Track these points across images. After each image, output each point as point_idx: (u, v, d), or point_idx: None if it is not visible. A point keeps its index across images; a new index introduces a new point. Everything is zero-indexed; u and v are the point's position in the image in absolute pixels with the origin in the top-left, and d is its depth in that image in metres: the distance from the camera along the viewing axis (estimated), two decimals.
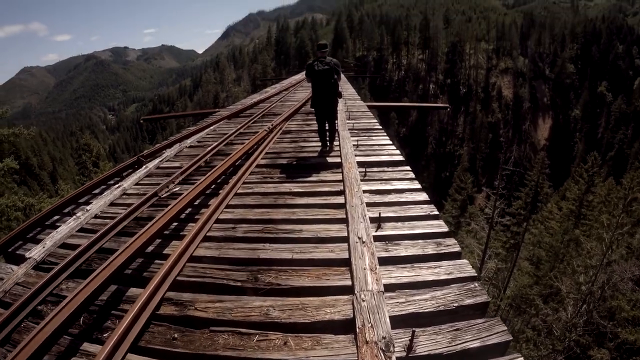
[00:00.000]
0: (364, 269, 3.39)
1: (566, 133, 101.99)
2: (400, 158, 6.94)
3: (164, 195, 5.96)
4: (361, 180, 5.61)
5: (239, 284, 3.62)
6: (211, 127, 11.31)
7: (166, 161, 8.23)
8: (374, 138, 8.57)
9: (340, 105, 8.06)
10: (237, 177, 6.25)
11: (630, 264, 18.75)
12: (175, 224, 4.96)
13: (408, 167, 6.45)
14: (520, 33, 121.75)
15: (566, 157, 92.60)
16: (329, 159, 7.19)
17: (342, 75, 7.81)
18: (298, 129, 10.20)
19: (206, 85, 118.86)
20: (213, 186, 6.14)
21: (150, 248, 4.40)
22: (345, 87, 20.67)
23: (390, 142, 8.10)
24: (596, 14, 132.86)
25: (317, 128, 7.74)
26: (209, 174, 6.20)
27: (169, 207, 4.89)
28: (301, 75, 38.70)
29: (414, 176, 6.05)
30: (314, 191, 5.68)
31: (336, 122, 7.95)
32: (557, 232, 26.43)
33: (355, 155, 6.79)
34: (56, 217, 5.89)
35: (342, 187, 5.52)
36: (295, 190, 5.78)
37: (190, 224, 4.90)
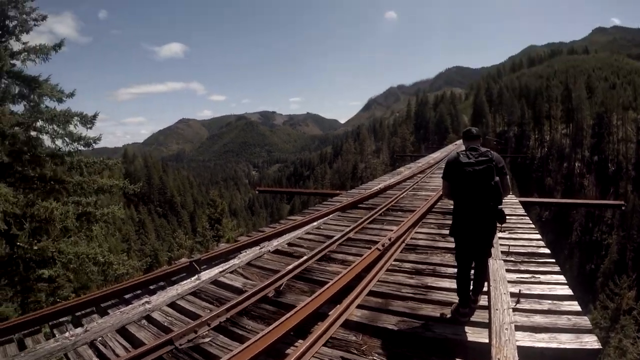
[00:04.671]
0: None
1: None
2: (595, 343, 3.85)
3: (182, 346, 4.02)
4: None
5: None
6: (315, 223, 9.03)
7: (230, 272, 6.18)
8: (541, 278, 5.39)
9: None
10: (299, 351, 3.71)
11: None
12: None
13: None
14: None
15: None
16: (469, 332, 4.17)
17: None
18: (427, 244, 7.17)
19: (346, 155, 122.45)
20: None
21: None
22: None
23: (570, 292, 4.90)
24: None
25: (454, 245, 4.69)
26: (264, 332, 3.89)
27: None
28: (440, 153, 35.57)
29: None
30: None
31: (490, 262, 4.95)
32: None
33: (516, 327, 3.94)
34: None
35: None
36: None
37: None
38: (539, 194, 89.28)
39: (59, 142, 13.94)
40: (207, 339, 4.12)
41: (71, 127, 14.02)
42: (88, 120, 14.16)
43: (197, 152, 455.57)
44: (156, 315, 4.88)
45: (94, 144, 14.57)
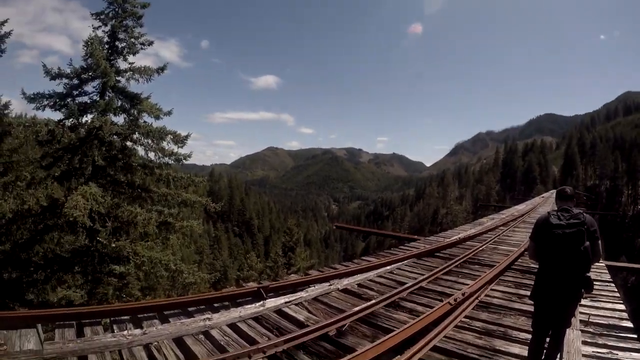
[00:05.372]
0: None
1: None
2: None
3: None
4: None
5: None
6: (388, 267, 8.80)
7: (295, 304, 6.13)
8: (619, 355, 4.81)
9: None
10: None
11: None
12: None
13: None
14: None
15: None
16: None
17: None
18: (502, 304, 6.65)
19: (428, 199, 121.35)
20: None
21: None
22: None
23: None
24: None
25: (531, 309, 4.46)
26: None
27: None
28: (525, 206, 33.87)
29: None
30: None
31: (567, 332, 4.51)
32: None
33: None
34: None
35: None
36: None
37: None
38: (627, 257, 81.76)
39: (151, 155, 14.94)
40: None
41: (164, 144, 14.89)
42: (180, 140, 15.02)
43: (280, 180, 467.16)
44: (214, 332, 4.93)
45: (184, 160, 15.33)
